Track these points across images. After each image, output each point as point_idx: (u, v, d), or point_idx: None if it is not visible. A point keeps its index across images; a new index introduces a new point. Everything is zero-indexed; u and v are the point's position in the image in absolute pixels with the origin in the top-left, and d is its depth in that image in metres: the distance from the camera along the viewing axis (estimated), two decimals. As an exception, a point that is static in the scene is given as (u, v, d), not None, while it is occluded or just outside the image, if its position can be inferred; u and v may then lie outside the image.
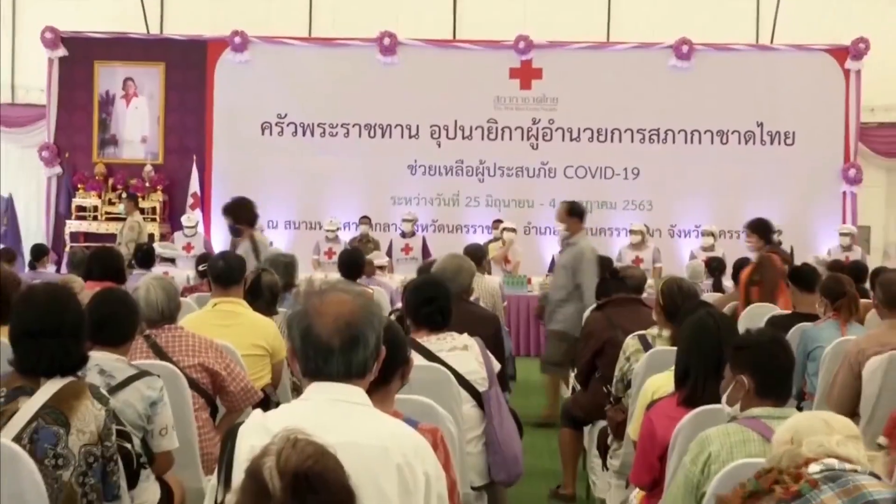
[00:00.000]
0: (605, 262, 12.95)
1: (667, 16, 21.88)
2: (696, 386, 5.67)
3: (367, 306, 3.95)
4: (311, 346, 3.82)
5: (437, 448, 4.08)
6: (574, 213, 13.23)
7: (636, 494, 6.27)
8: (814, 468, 4.00)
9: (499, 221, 20.11)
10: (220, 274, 8.54)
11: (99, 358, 5.67)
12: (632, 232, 19.65)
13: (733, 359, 5.12)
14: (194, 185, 21.94)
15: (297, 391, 7.58)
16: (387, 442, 3.77)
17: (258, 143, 22.19)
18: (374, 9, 22.02)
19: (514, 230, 19.32)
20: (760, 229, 12.83)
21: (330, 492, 2.84)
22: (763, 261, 11.09)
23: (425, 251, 19.48)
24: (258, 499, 2.79)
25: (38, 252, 17.13)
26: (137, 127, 22.59)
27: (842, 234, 20.05)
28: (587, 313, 10.26)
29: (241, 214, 12.40)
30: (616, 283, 9.78)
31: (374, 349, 3.91)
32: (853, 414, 7.56)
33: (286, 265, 10.82)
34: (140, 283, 7.53)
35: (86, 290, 8.04)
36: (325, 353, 3.81)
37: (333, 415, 3.73)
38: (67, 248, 20.32)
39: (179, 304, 7.53)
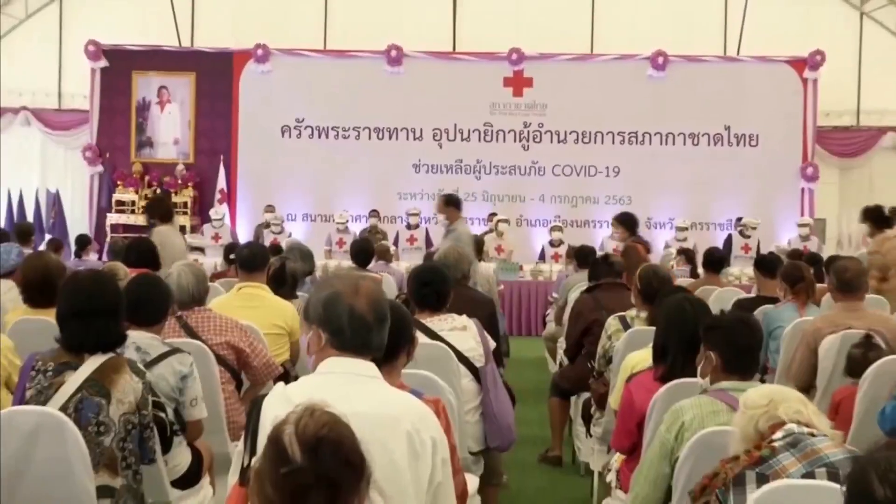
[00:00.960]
0: (478, 242, 13.81)
1: (644, 30, 21.87)
2: (673, 362, 5.66)
3: (383, 291, 4.03)
4: (355, 323, 3.86)
5: (439, 416, 4.08)
6: (451, 204, 13.61)
7: (616, 458, 6.27)
8: (777, 435, 4.00)
9: (493, 214, 20.15)
10: (246, 261, 8.60)
11: (136, 336, 5.67)
12: (613, 224, 19.63)
13: (705, 337, 5.13)
14: (221, 183, 21.98)
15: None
16: (397, 411, 3.81)
17: (278, 144, 22.22)
18: (382, 23, 22.01)
19: (507, 221, 19.38)
20: (626, 222, 13.28)
21: (344, 456, 2.84)
22: (628, 250, 11.15)
23: (428, 241, 19.52)
24: (279, 463, 2.78)
25: (83, 242, 17.14)
26: (170, 130, 22.61)
27: (800, 226, 20.04)
28: (576, 295, 10.26)
29: (155, 210, 12.69)
30: (606, 267, 9.77)
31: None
32: (810, 386, 7.57)
33: (305, 255, 10.84)
34: (172, 269, 7.53)
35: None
36: (366, 329, 3.87)
37: (349, 387, 3.74)
38: (108, 239, 20.43)
39: (208, 288, 7.56)
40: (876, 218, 13.31)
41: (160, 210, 12.81)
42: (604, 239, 18.96)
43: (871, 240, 13.35)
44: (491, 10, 22.48)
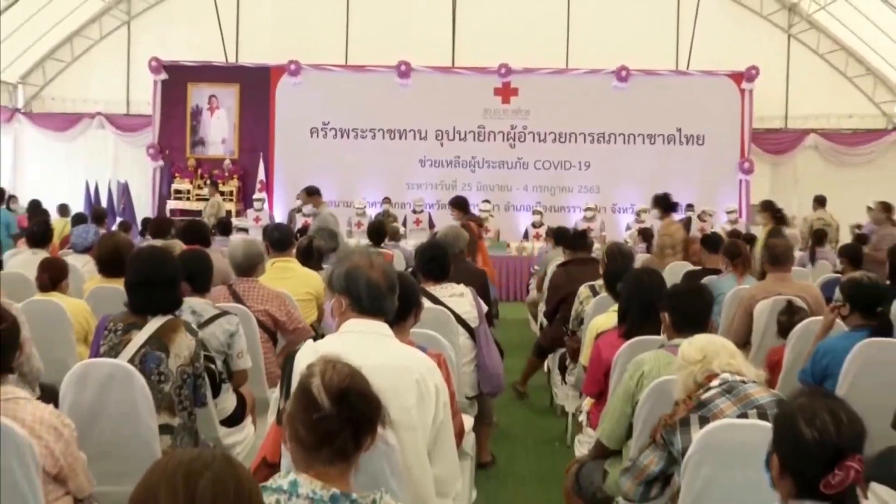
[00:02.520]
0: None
1: (610, 49, 21.75)
2: (633, 322, 5.67)
3: (394, 265, 4.07)
4: (371, 291, 3.91)
5: (441, 368, 4.10)
6: (312, 194, 14.35)
7: (587, 402, 6.28)
8: (714, 383, 4.02)
9: (486, 202, 20.10)
10: (276, 241, 8.61)
11: (191, 301, 5.68)
12: (585, 209, 19.76)
13: (662, 303, 5.13)
14: (261, 175, 21.92)
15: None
16: (406, 363, 3.84)
17: (308, 143, 22.15)
18: (393, 43, 21.90)
19: (490, 210, 19.44)
20: (459, 205, 13.42)
21: (365, 402, 2.85)
22: (465, 226, 11.14)
23: (431, 224, 19.51)
24: (311, 410, 2.79)
25: (160, 225, 17.06)
26: (219, 131, 22.56)
27: (728, 213, 20.26)
28: (553, 267, 10.28)
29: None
30: (581, 242, 9.80)
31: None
32: (746, 342, 7.58)
33: (331, 234, 10.84)
34: (231, 243, 7.55)
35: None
36: (380, 296, 3.91)
37: (368, 344, 3.77)
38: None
39: (256, 263, 7.45)
40: (664, 205, 13.57)
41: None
42: (577, 221, 18.88)
43: (660, 223, 13.67)
44: (483, 32, 22.36)
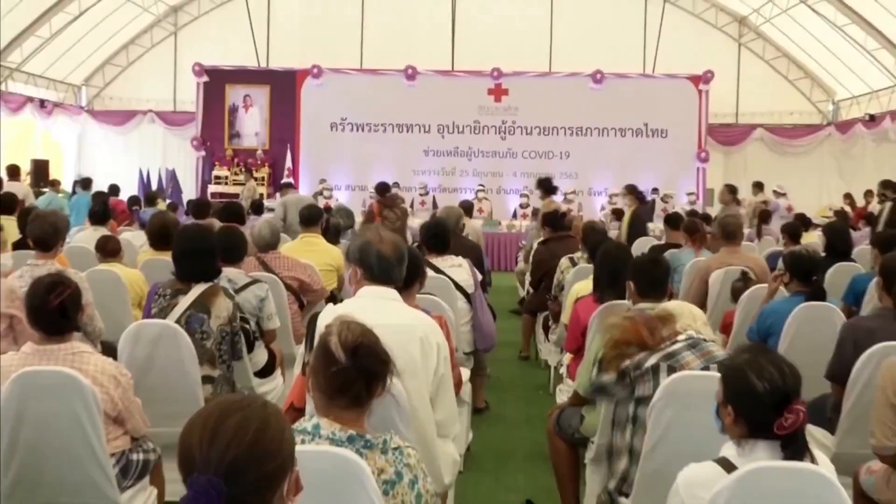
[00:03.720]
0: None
1: (587, 55, 21.70)
2: (603, 289, 5.66)
3: (402, 239, 4.06)
4: (381, 262, 3.90)
5: (442, 328, 4.09)
6: (283, 187, 15.24)
7: (566, 357, 6.28)
8: (681, 338, 4.02)
9: (481, 186, 20.12)
10: (305, 219, 8.60)
11: (227, 271, 5.68)
12: (565, 193, 19.69)
13: (629, 272, 5.12)
14: (288, 163, 21.92)
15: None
16: (412, 323, 3.84)
17: (328, 136, 22.11)
18: (401, 50, 21.83)
19: (485, 193, 19.42)
20: (380, 190, 13.96)
21: (376, 356, 2.84)
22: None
23: (434, 204, 19.46)
24: (329, 364, 2.78)
25: (201, 206, 17.03)
26: (252, 126, 22.54)
27: (688, 194, 20.44)
28: (535, 245, 10.29)
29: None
30: (561, 222, 9.81)
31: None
32: (702, 306, 7.57)
33: (347, 214, 10.84)
34: (256, 224, 7.57)
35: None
36: (389, 266, 3.91)
37: (379, 307, 3.75)
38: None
39: (278, 239, 7.56)
40: (546, 187, 13.94)
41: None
42: (559, 203, 18.92)
43: (541, 202, 13.88)
44: (478, 41, 22.27)
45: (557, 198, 20.55)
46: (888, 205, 13.16)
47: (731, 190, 14.91)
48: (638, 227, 12.93)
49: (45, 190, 17.65)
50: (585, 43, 22.29)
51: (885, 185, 14.68)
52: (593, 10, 22.76)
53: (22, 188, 15.25)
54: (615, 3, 23.06)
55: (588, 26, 22.62)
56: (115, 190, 17.30)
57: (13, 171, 16.39)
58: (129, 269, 7.13)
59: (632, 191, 13.88)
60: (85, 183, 17.25)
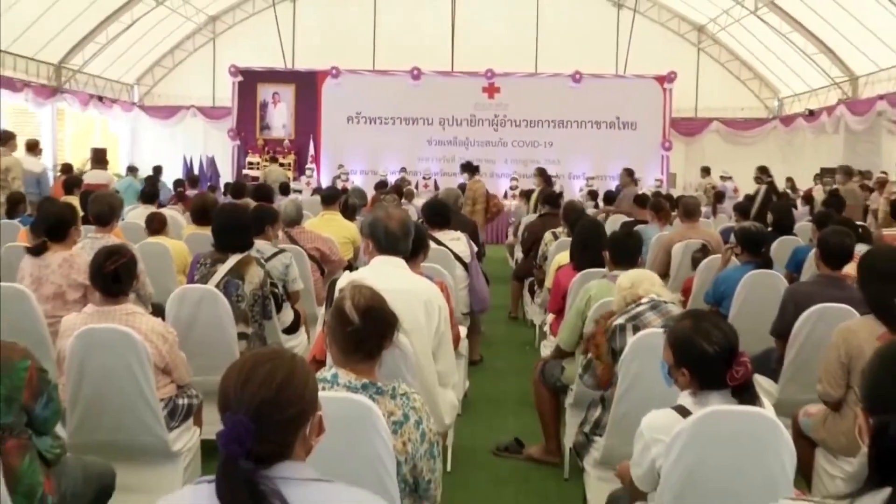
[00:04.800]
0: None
1: (567, 58, 21.55)
2: (580, 259, 5.66)
3: (408, 216, 4.05)
4: (389, 236, 3.90)
5: (443, 292, 4.09)
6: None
7: (549, 317, 6.27)
8: (644, 300, 4.02)
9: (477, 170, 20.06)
10: (325, 198, 8.63)
11: (258, 243, 5.66)
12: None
13: (604, 243, 5.13)
14: (311, 151, 21.85)
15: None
16: (417, 288, 3.83)
17: (345, 127, 21.99)
18: (408, 54, 21.65)
19: (480, 178, 19.34)
20: (377, 186, 14.08)
21: (384, 316, 2.84)
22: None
23: (436, 186, 19.40)
24: (344, 324, 2.78)
25: (239, 187, 17.06)
26: (280, 119, 22.40)
27: (656, 180, 20.36)
28: (530, 219, 10.29)
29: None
30: (554, 200, 9.78)
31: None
32: (665, 273, 7.58)
33: (361, 194, 10.82)
34: (282, 203, 7.57)
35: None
36: (396, 239, 3.91)
37: (389, 273, 3.74)
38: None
39: (301, 216, 7.58)
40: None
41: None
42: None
43: (467, 182, 13.88)
44: (474, 46, 22.07)
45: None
46: (763, 188, 13.15)
47: (629, 173, 14.74)
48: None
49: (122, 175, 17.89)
50: (566, 47, 22.16)
51: (762, 170, 14.69)
52: (573, 19, 22.66)
53: (106, 174, 15.50)
54: (592, 13, 22.96)
55: (568, 33, 22.49)
56: (158, 170, 17.40)
57: (100, 159, 16.70)
58: (175, 241, 7.15)
59: (541, 173, 13.85)
60: (132, 169, 17.38)
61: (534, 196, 13.24)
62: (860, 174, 16.53)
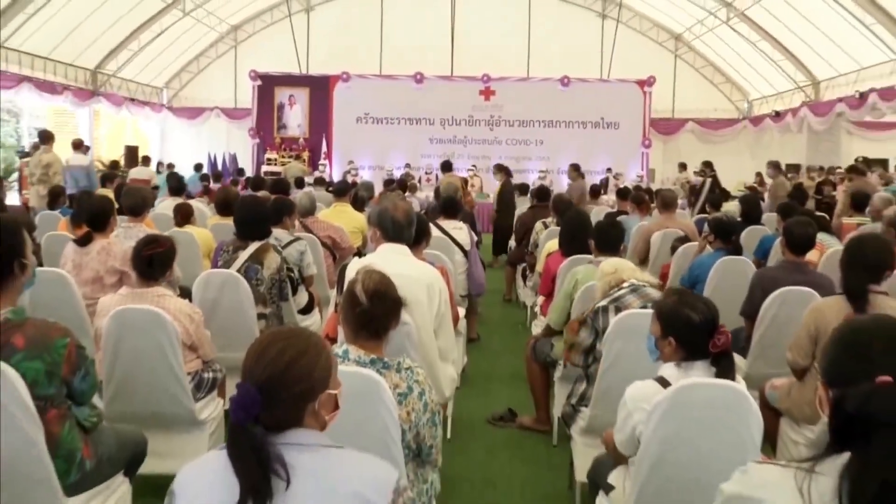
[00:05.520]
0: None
1: (557, 64, 21.56)
2: (568, 247, 5.65)
3: (412, 207, 4.06)
4: (394, 225, 3.90)
5: (444, 276, 4.08)
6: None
7: (540, 299, 6.26)
8: (625, 285, 4.02)
9: (474, 166, 20.03)
10: (337, 191, 8.64)
11: (276, 232, 5.66)
12: (539, 172, 19.77)
13: (590, 232, 5.12)
14: (324, 148, 21.80)
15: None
16: (420, 273, 3.82)
17: (354, 127, 21.93)
18: (412, 59, 21.66)
19: (477, 173, 19.32)
20: (385, 184, 13.60)
21: (391, 298, 2.84)
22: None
23: (437, 181, 19.40)
24: (355, 305, 2.78)
25: (248, 180, 17.09)
26: (296, 119, 22.33)
27: (638, 176, 20.24)
28: (521, 211, 10.29)
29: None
30: (546, 195, 9.77)
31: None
32: (645, 259, 7.59)
33: (369, 188, 10.81)
34: (298, 195, 7.55)
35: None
36: (401, 228, 3.91)
37: (394, 259, 3.73)
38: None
39: (315, 207, 7.57)
40: (444, 167, 14.33)
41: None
42: (534, 180, 18.78)
43: (443, 177, 13.73)
44: (472, 53, 22.05)
45: (532, 175, 20.74)
46: (708, 180, 13.16)
47: (576, 168, 14.95)
48: (505, 197, 12.58)
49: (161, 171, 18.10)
50: (555, 54, 22.13)
51: (706, 164, 14.69)
52: (562, 29, 22.58)
53: (149, 171, 16.05)
54: (579, 23, 22.88)
55: (557, 41, 22.42)
56: (199, 167, 17.67)
57: (135, 157, 17.03)
58: (200, 230, 7.14)
59: (501, 169, 13.63)
60: (170, 166, 17.61)
61: (497, 189, 13.03)
62: (820, 169, 16.57)
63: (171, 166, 17.56)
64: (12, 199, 13.80)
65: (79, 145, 13.42)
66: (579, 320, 4.11)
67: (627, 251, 7.81)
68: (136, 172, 15.21)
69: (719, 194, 11.14)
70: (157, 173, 17.14)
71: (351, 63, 21.90)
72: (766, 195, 14.68)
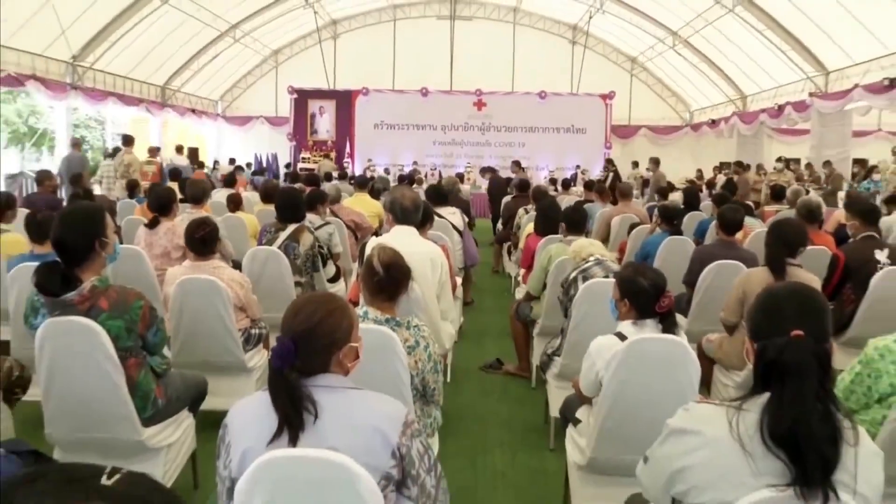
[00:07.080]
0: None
1: (536, 80, 21.40)
2: (543, 228, 5.62)
3: (418, 196, 4.02)
4: (403, 211, 3.86)
5: (445, 251, 4.05)
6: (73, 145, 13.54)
7: (522, 271, 6.25)
8: (591, 259, 4.00)
9: (469, 164, 19.96)
10: (358, 183, 8.53)
11: (309, 216, 5.63)
12: (523, 167, 19.55)
13: (560, 216, 5.09)
14: (347, 149, 21.65)
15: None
16: (425, 249, 3.79)
17: (373, 132, 21.73)
18: (418, 76, 21.49)
19: (471, 168, 19.22)
20: (400, 179, 13.36)
21: (401, 270, 2.81)
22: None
23: (440, 176, 19.23)
24: (372, 275, 2.76)
25: (294, 176, 17.09)
26: (325, 126, 22.11)
27: (601, 171, 19.88)
28: (507, 200, 10.21)
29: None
30: (524, 186, 9.71)
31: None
32: (606, 239, 7.55)
33: (385, 181, 10.75)
34: (326, 187, 7.51)
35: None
36: (409, 213, 3.87)
37: (404, 238, 3.69)
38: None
39: (341, 196, 7.52)
40: (520, 165, 14.15)
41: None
42: (514, 176, 18.78)
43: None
44: (467, 70, 21.93)
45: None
46: (611, 174, 13.19)
47: (518, 164, 14.77)
48: (494, 190, 12.50)
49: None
50: (535, 73, 21.96)
51: (608, 161, 14.70)
52: (540, 53, 22.42)
53: (183, 159, 15.93)
54: (554, 48, 22.69)
55: (537, 62, 22.25)
56: (233, 161, 17.61)
57: (195, 157, 17.35)
58: (248, 215, 7.10)
59: (486, 170, 13.60)
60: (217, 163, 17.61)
61: (486, 186, 12.97)
62: (748, 166, 16.54)
63: (232, 161, 17.60)
64: (97, 192, 13.75)
65: (180, 149, 14.66)
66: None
67: (592, 232, 7.81)
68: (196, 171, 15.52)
69: (666, 187, 11.07)
70: (213, 169, 17.17)
71: (370, 80, 21.72)
72: (703, 187, 14.65)
